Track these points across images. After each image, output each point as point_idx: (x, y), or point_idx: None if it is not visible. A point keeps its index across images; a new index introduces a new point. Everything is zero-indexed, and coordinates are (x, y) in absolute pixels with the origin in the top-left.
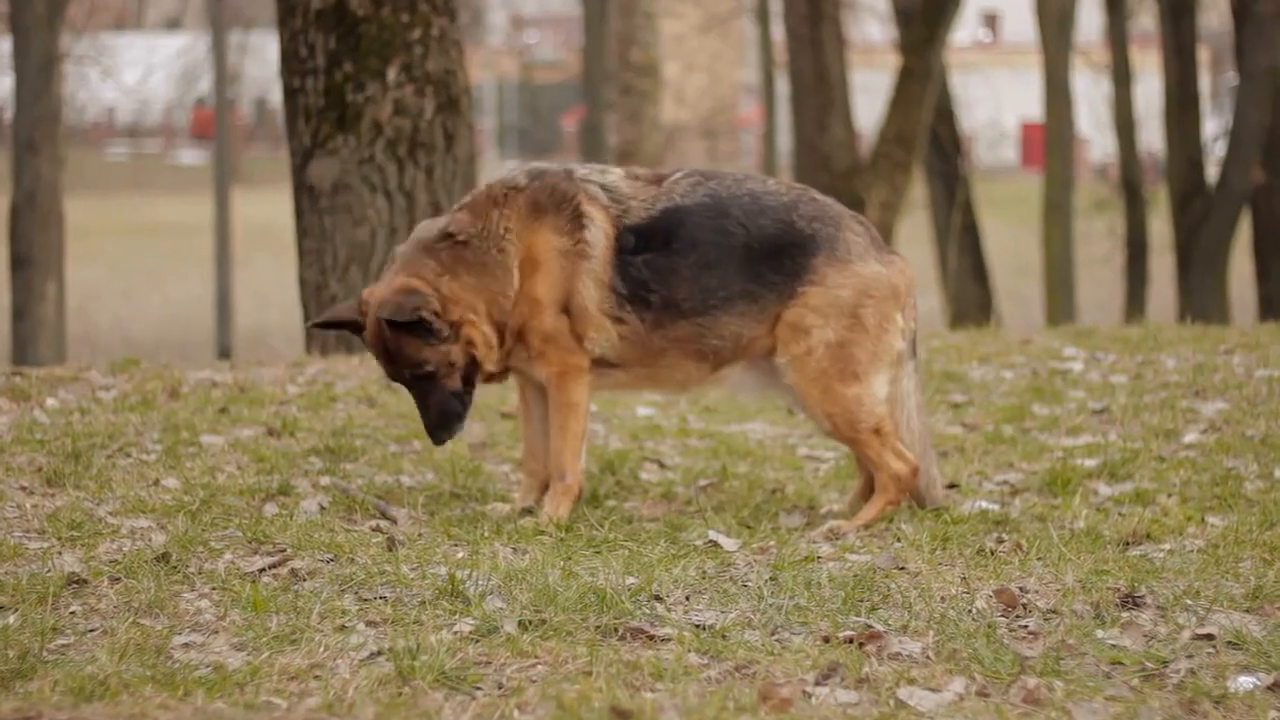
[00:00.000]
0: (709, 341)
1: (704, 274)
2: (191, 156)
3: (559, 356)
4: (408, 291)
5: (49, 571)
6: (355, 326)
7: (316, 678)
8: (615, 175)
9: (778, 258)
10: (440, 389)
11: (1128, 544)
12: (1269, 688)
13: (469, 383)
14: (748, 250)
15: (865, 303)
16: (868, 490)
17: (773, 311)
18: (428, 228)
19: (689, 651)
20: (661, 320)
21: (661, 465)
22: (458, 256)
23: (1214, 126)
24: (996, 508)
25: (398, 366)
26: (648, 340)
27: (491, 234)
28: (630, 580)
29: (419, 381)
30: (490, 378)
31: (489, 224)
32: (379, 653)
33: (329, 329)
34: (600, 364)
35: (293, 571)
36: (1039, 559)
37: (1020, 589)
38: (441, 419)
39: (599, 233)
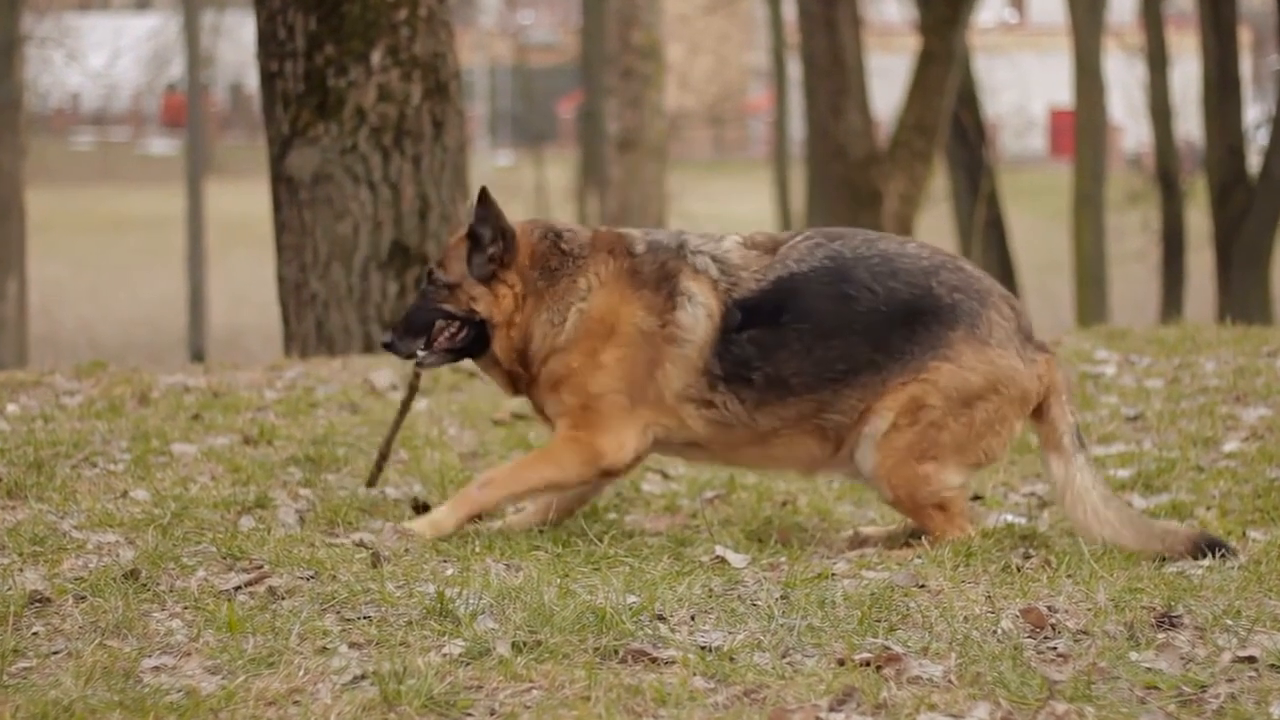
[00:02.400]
0: (830, 417)
1: (818, 345)
2: (162, 145)
3: (588, 434)
4: (515, 223)
5: (9, 590)
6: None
7: (296, 703)
8: (729, 243)
9: (910, 325)
10: (434, 301)
11: (1164, 560)
12: None
13: (473, 339)
14: (874, 315)
15: (989, 396)
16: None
17: (897, 382)
18: (558, 222)
19: (694, 675)
20: (767, 399)
21: (665, 476)
22: (547, 260)
23: (1256, 113)
24: (1023, 521)
25: (433, 261)
26: (749, 421)
27: (583, 272)
28: (631, 599)
29: (429, 284)
30: (507, 375)
31: (591, 260)
32: (363, 676)
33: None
34: (687, 445)
35: (270, 589)
36: (1069, 576)
37: (1049, 608)
38: (406, 325)
39: (699, 311)
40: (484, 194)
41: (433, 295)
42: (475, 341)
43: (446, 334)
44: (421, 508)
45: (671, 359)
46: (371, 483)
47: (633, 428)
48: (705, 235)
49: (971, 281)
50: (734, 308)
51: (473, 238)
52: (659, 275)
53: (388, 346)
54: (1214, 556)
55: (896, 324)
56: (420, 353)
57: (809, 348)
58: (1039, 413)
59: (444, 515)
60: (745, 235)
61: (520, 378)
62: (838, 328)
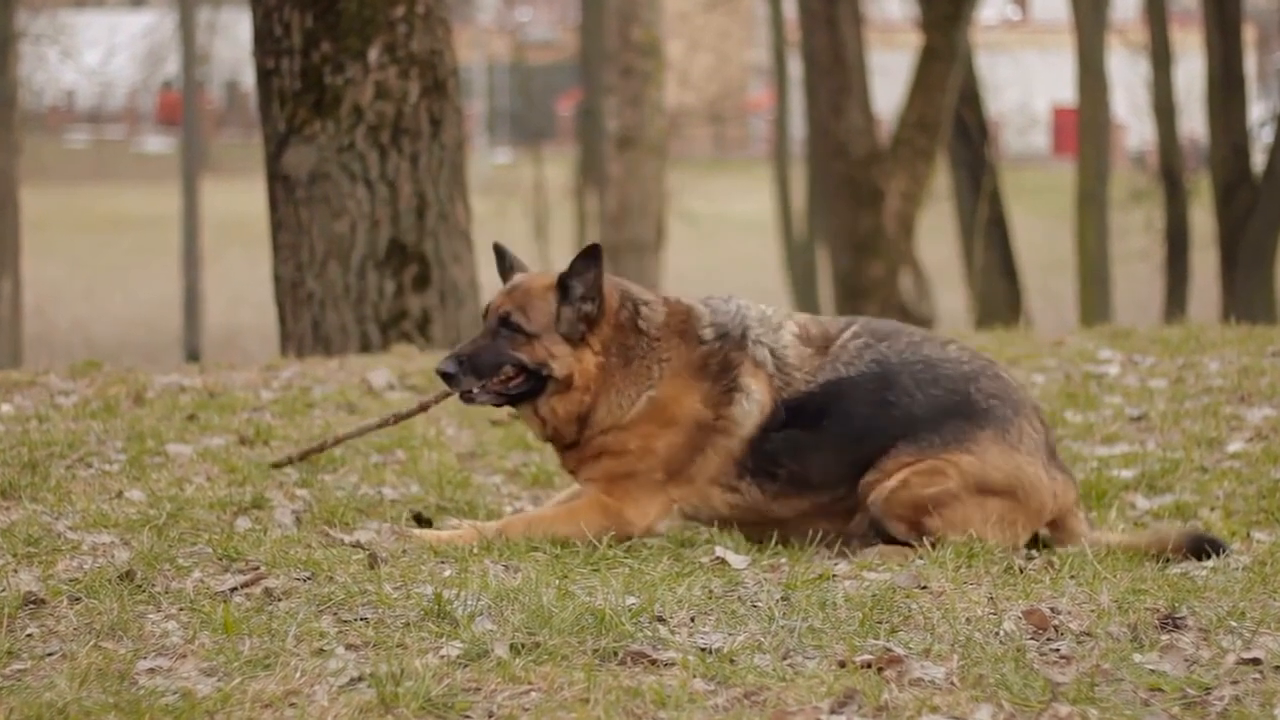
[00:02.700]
0: (844, 505)
1: (849, 448)
2: (157, 143)
3: (617, 503)
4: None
5: (4, 591)
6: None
7: (292, 705)
8: (788, 335)
9: (941, 422)
10: (508, 347)
11: (1168, 561)
12: None
13: (530, 389)
14: (909, 418)
15: (1006, 497)
16: None
17: (913, 458)
18: (633, 288)
19: (694, 677)
20: (786, 492)
21: None
22: (625, 337)
23: (1260, 111)
24: None
25: (510, 299)
26: (766, 509)
27: (654, 353)
28: (631, 600)
29: (502, 325)
30: (554, 433)
31: (664, 345)
32: (360, 678)
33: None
34: (708, 518)
35: (267, 591)
36: (1071, 577)
37: (1051, 610)
38: (473, 363)
39: (753, 407)
40: (596, 251)
41: (508, 340)
42: (531, 391)
43: (505, 377)
44: (421, 520)
45: (715, 447)
46: (287, 463)
47: (660, 503)
48: (765, 319)
49: (1009, 391)
50: (781, 406)
51: (564, 290)
52: (721, 366)
53: (447, 378)
54: (1215, 554)
55: (928, 422)
56: (475, 389)
57: (840, 450)
58: (1055, 524)
59: (450, 538)
60: (800, 324)
61: (563, 436)
62: (872, 431)
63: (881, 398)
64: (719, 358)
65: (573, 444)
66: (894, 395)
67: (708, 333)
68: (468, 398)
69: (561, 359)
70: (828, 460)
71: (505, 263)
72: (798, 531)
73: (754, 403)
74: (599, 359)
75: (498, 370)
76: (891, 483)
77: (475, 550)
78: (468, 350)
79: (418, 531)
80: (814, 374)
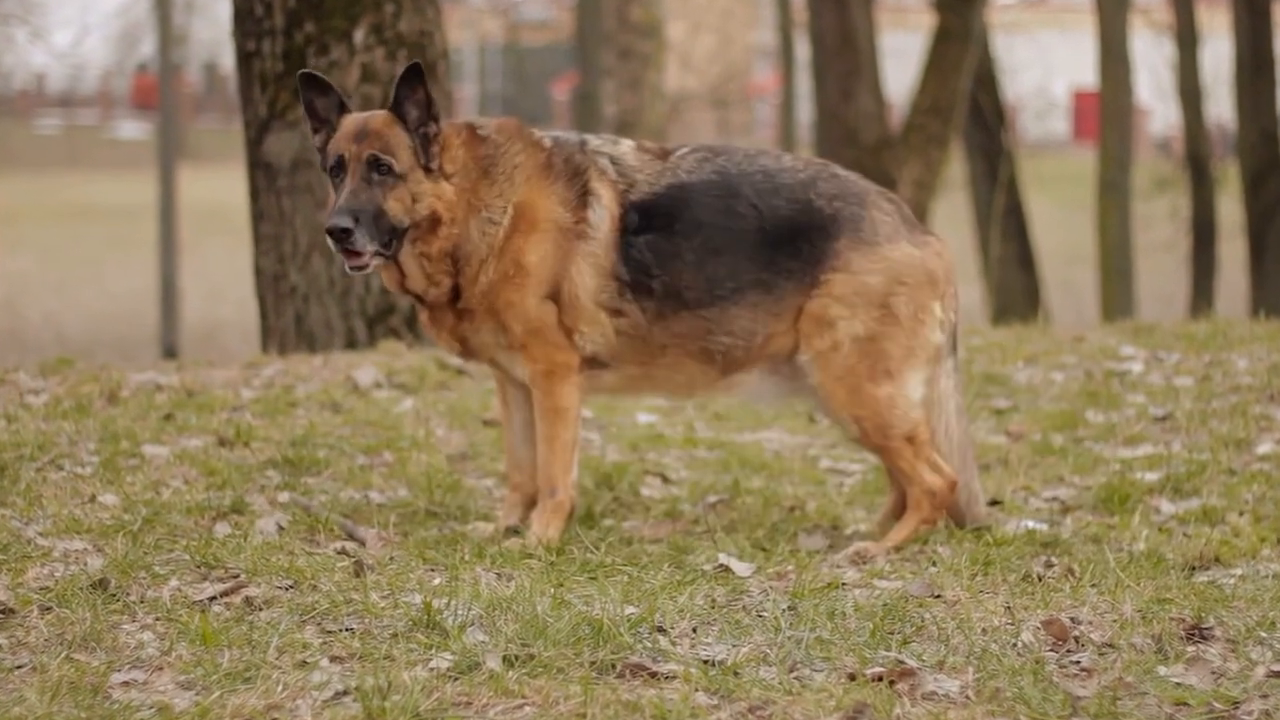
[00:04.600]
0: (717, 339)
1: (710, 260)
2: (133, 129)
3: (544, 353)
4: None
5: None
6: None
7: None
8: (625, 146)
9: (794, 242)
10: (375, 187)
11: (1194, 569)
12: None
13: (398, 233)
14: (761, 235)
15: (897, 290)
16: (899, 508)
17: (792, 303)
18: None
19: (696, 691)
20: (664, 311)
21: (665, 479)
22: (470, 149)
23: None
24: (1045, 528)
25: (368, 142)
26: (648, 334)
27: (507, 158)
28: (630, 610)
29: (373, 169)
30: (423, 305)
31: (510, 148)
32: (345, 692)
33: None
34: (589, 364)
35: (247, 600)
36: (1093, 586)
37: (1072, 620)
38: (352, 211)
39: (603, 212)
40: (416, 68)
41: (379, 186)
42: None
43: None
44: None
45: (583, 256)
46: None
47: (568, 339)
48: (602, 137)
49: (848, 186)
50: (631, 210)
51: (402, 119)
52: (570, 170)
53: (344, 233)
54: None
55: (782, 242)
56: (368, 253)
57: (700, 261)
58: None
59: (551, 534)
60: (637, 141)
61: (436, 282)
62: (725, 245)
63: (728, 207)
64: (563, 158)
65: (450, 299)
66: (740, 206)
67: (545, 140)
68: (359, 269)
69: (424, 198)
70: (692, 272)
71: (328, 95)
72: (671, 380)
73: (603, 207)
74: (456, 184)
75: (383, 220)
76: (807, 350)
77: (466, 557)
78: (351, 202)
79: (535, 535)
80: (656, 178)
